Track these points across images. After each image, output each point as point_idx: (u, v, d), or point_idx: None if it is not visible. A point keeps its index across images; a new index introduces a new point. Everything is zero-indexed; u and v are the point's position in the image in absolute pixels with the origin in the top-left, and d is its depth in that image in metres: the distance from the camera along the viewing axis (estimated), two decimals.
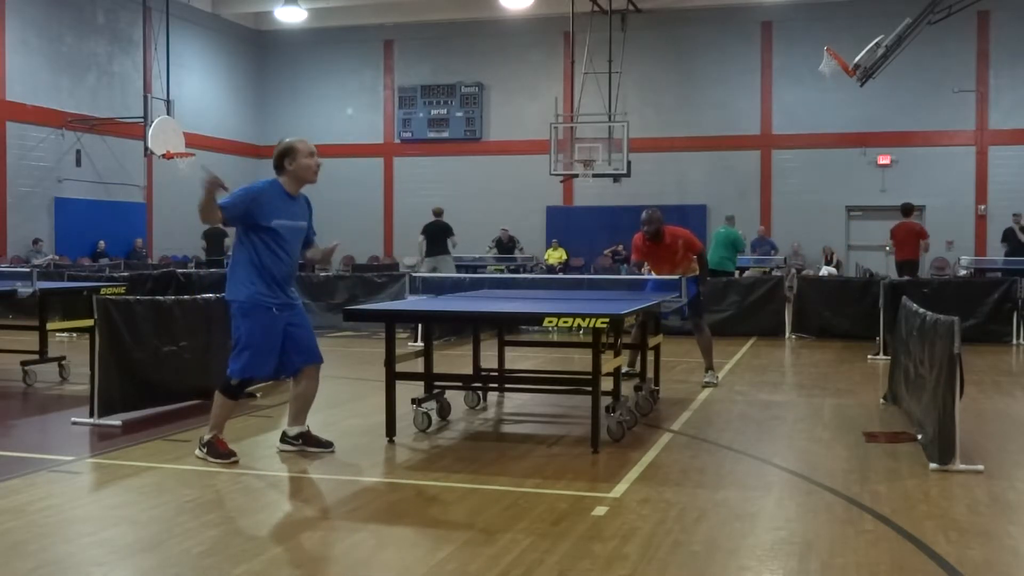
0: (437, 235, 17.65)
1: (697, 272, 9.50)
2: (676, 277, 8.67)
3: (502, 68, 27.99)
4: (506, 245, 26.03)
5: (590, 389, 6.51)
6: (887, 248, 17.82)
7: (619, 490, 5.54)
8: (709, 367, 9.71)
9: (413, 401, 7.28)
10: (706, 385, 9.47)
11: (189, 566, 4.30)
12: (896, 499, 5.39)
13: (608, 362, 6.71)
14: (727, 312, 14.47)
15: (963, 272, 20.75)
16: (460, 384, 8.14)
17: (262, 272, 6.01)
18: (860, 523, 4.96)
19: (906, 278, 14.93)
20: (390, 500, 5.44)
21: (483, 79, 28.22)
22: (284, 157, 6.14)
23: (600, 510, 5.13)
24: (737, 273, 17.08)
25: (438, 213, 18.00)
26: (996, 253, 22.19)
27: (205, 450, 6.21)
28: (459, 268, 20.30)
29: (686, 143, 26.43)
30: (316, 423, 6.69)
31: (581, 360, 8.41)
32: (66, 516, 5.08)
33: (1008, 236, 21.34)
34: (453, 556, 4.42)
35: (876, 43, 19.25)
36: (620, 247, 25.75)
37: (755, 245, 24.29)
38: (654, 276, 9.26)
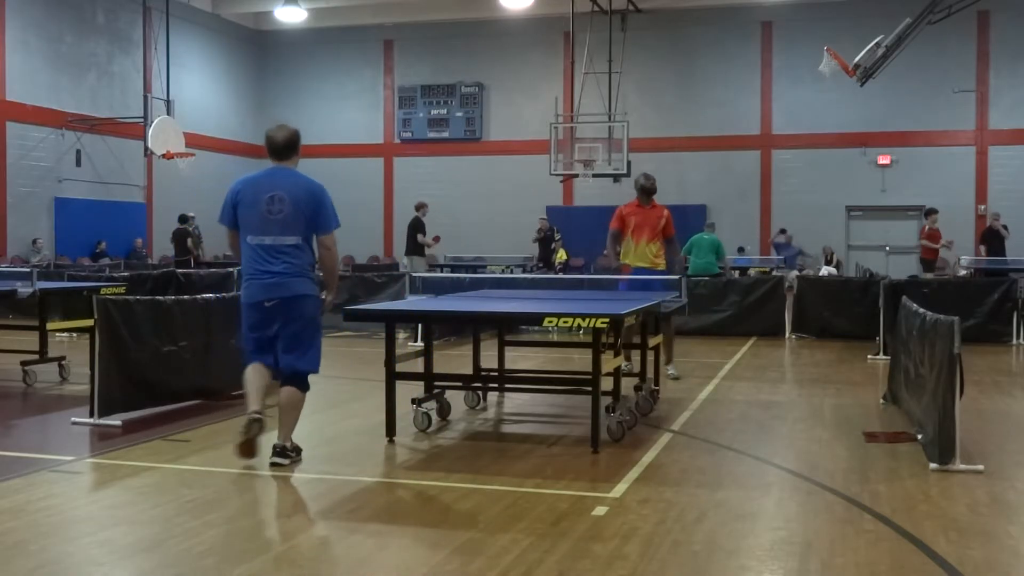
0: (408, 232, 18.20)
1: (664, 267, 9.58)
2: (660, 270, 8.70)
3: (502, 68, 27.97)
4: (547, 236, 22.98)
5: (590, 389, 6.52)
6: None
7: (619, 490, 5.53)
8: (669, 360, 9.69)
9: (413, 401, 7.27)
10: (671, 378, 9.52)
11: (189, 566, 4.30)
12: (896, 499, 5.39)
13: (608, 362, 6.71)
14: (727, 312, 14.45)
15: (963, 272, 20.72)
16: (460, 384, 8.13)
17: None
18: (860, 523, 4.96)
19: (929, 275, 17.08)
20: (390, 500, 5.45)
21: (483, 79, 28.21)
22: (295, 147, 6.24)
23: (600, 510, 5.13)
24: (737, 273, 17.33)
25: (416, 207, 18.42)
26: (996, 253, 22.11)
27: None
28: (460, 269, 20.24)
29: (686, 143, 26.42)
30: (316, 423, 6.69)
31: (581, 360, 8.40)
32: (66, 516, 5.08)
33: (990, 236, 21.28)
34: (453, 556, 4.42)
35: (876, 43, 19.24)
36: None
37: (779, 249, 24.70)
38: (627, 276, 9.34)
